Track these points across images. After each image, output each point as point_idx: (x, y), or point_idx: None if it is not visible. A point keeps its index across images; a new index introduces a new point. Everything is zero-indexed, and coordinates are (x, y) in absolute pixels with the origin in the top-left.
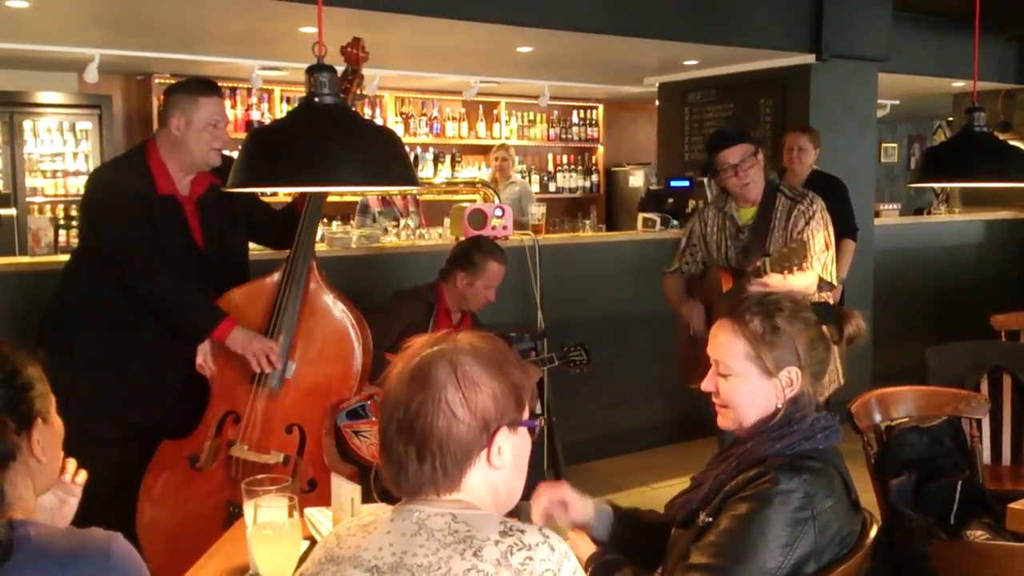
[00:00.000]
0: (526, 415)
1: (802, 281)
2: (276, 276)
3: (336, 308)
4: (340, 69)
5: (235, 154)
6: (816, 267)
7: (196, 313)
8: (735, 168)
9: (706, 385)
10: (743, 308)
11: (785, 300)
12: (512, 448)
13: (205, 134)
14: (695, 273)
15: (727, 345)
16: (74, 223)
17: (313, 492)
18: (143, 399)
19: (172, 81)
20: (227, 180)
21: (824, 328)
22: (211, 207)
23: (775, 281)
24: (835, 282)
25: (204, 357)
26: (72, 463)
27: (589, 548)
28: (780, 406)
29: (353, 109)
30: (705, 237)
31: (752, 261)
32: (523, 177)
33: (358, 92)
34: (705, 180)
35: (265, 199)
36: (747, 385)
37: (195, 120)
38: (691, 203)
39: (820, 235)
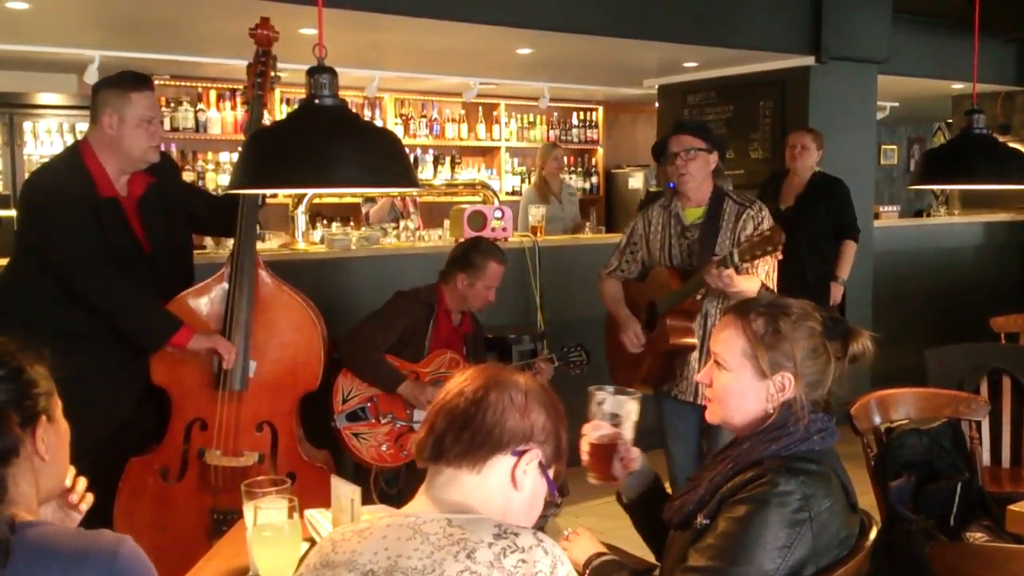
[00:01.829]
0: (552, 473)
1: (747, 284)
2: (222, 276)
3: (288, 299)
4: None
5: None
6: (760, 272)
7: (152, 322)
8: (675, 156)
9: (702, 376)
10: (750, 306)
11: (795, 306)
12: (532, 482)
13: (140, 131)
14: (631, 275)
15: (728, 340)
16: None
17: (292, 486)
18: (103, 409)
19: (172, 83)
20: (161, 177)
21: (827, 342)
22: (151, 207)
23: (735, 276)
24: (774, 290)
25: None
26: (82, 483)
27: (590, 547)
28: (772, 410)
29: (264, 93)
30: (648, 236)
31: (706, 260)
32: (522, 180)
33: (274, 74)
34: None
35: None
36: (739, 383)
37: (128, 117)
38: None
39: None
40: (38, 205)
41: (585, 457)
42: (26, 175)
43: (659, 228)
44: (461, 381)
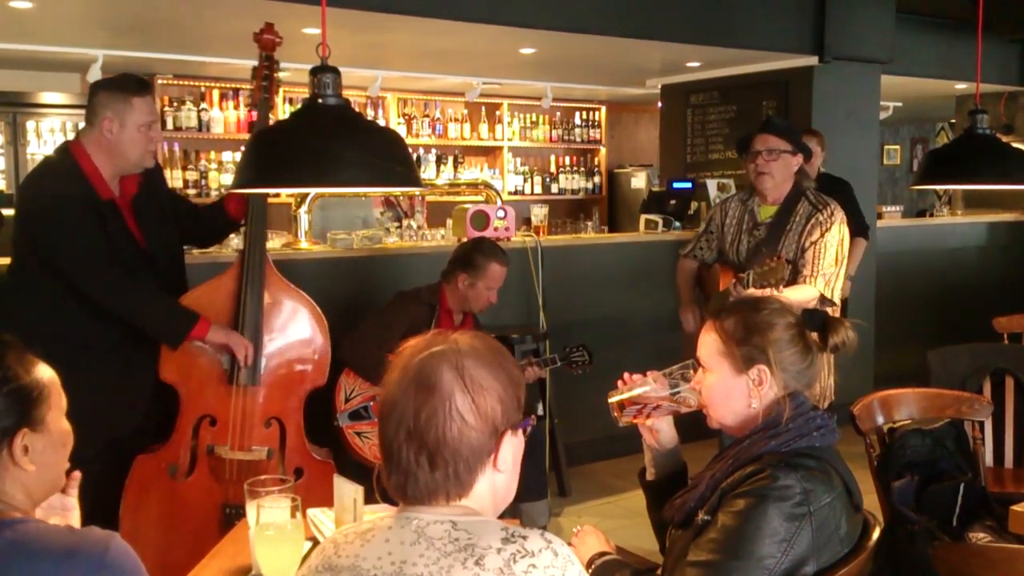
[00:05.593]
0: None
1: (795, 295)
2: (232, 274)
3: (296, 300)
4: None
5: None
6: (819, 283)
7: (171, 318)
8: (757, 154)
9: (694, 383)
10: (724, 307)
11: (768, 302)
12: (512, 449)
13: (140, 136)
14: (708, 260)
15: (706, 343)
16: None
17: (300, 480)
18: (115, 411)
19: (175, 82)
20: (149, 176)
21: (806, 334)
22: (144, 207)
23: (757, 294)
24: (836, 301)
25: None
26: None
27: (595, 546)
28: (755, 405)
29: (271, 96)
30: (723, 227)
31: (761, 260)
32: (524, 180)
33: (278, 76)
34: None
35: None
36: (721, 382)
37: (129, 123)
38: (693, 205)
39: (832, 250)
40: (39, 213)
41: (626, 387)
42: None
43: (733, 222)
44: (390, 411)
